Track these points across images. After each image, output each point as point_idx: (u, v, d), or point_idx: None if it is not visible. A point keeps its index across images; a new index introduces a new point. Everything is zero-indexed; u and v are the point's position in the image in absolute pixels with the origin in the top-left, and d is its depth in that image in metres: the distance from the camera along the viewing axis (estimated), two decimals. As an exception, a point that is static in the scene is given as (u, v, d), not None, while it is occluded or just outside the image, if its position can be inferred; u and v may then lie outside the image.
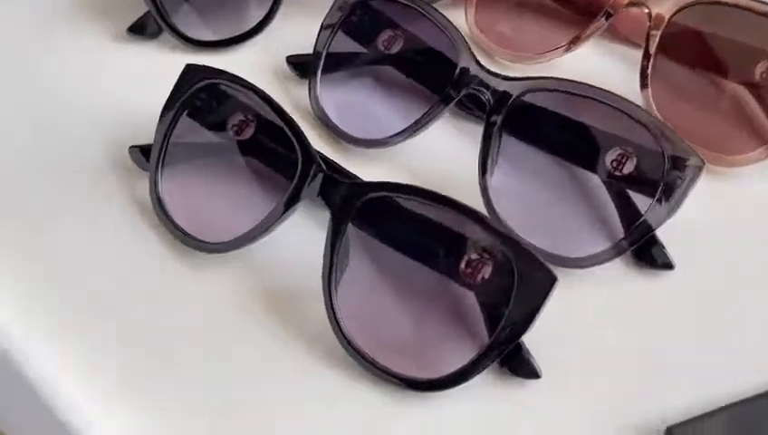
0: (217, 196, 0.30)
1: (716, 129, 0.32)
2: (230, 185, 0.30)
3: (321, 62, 0.33)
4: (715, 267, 0.29)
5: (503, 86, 0.30)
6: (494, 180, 0.30)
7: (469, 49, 0.31)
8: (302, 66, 0.34)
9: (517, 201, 0.30)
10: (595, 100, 0.28)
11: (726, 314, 0.28)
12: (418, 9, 0.32)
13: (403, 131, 0.31)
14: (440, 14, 0.32)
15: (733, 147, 0.31)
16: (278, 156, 0.29)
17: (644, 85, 0.33)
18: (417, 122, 0.31)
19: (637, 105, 0.28)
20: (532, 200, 0.30)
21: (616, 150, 0.29)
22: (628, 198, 0.29)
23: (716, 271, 0.29)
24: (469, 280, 0.26)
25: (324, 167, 0.27)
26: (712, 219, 0.30)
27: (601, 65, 0.36)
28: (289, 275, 0.29)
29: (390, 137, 0.32)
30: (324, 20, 0.34)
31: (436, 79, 0.32)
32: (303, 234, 0.29)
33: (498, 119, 0.29)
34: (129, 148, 0.31)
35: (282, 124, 0.28)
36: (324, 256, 0.26)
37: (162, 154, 0.30)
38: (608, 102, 0.28)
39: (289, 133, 0.28)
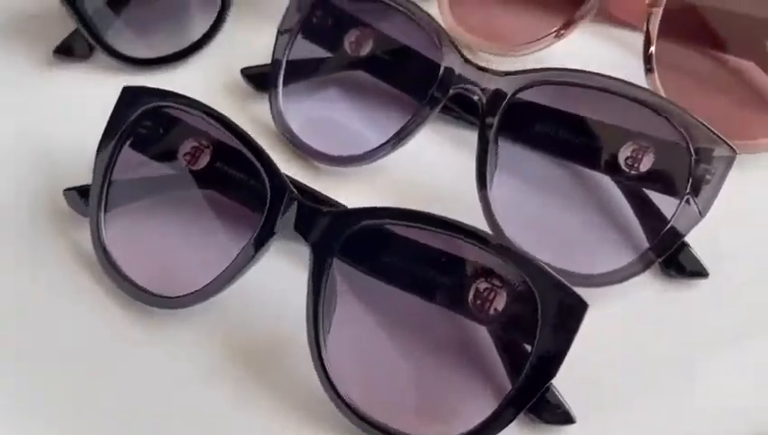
0: (174, 239, 0.26)
1: (734, 112, 0.29)
2: (188, 225, 0.26)
3: (282, 72, 0.29)
4: (752, 269, 0.25)
5: (496, 83, 0.25)
6: (496, 192, 0.26)
7: (453, 43, 0.27)
8: (259, 78, 0.30)
9: (524, 215, 0.26)
10: (602, 90, 0.24)
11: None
12: (389, 2, 0.28)
13: (383, 145, 0.27)
14: (415, 5, 0.28)
15: (756, 131, 0.28)
16: (242, 186, 0.25)
17: (649, 70, 0.29)
18: (399, 133, 0.27)
19: (652, 92, 0.25)
20: (541, 213, 0.26)
21: (630, 146, 0.25)
22: (650, 200, 0.25)
23: (754, 273, 0.25)
24: (480, 314, 0.22)
25: (299, 194, 0.23)
26: (742, 212, 0.26)
27: (597, 52, 0.32)
28: (266, 326, 0.24)
29: (369, 152, 0.27)
30: (281, 23, 0.29)
31: (417, 81, 0.27)
32: (280, 273, 0.25)
33: (494, 121, 0.25)
34: (64, 191, 0.26)
35: (243, 148, 0.24)
36: (307, 299, 0.22)
37: (103, 195, 0.25)
38: (618, 92, 0.24)
39: (252, 158, 0.23)
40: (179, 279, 0.24)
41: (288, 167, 0.28)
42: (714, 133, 0.24)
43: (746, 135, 0.28)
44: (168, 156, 0.26)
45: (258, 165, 0.23)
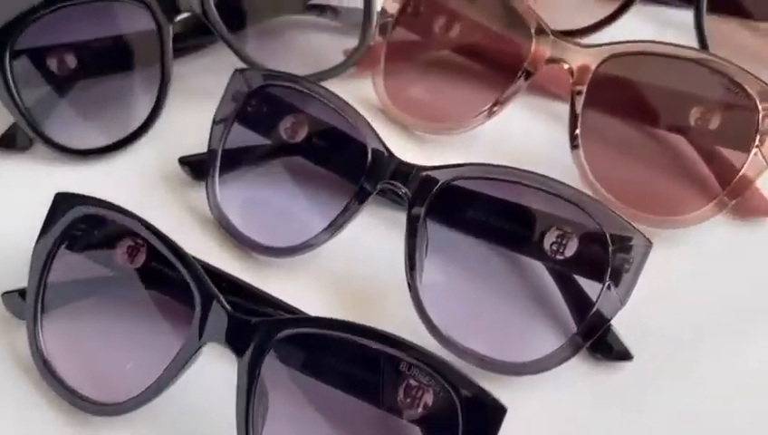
0: (112, 341, 0.26)
1: (659, 187, 0.30)
2: (127, 325, 0.26)
3: (218, 161, 0.29)
4: (675, 347, 0.26)
5: (420, 178, 0.26)
6: (425, 278, 0.26)
7: (377, 136, 0.27)
8: (197, 167, 0.30)
9: (453, 301, 0.26)
10: (522, 184, 0.25)
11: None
12: (317, 96, 0.28)
13: (320, 235, 0.28)
14: (340, 99, 0.28)
15: (679, 206, 0.29)
16: (175, 288, 0.25)
17: (574, 146, 0.30)
18: (334, 222, 0.27)
19: (567, 186, 0.25)
20: (471, 298, 0.27)
21: (554, 231, 0.26)
22: (577, 284, 0.26)
23: (677, 352, 0.26)
24: (410, 411, 0.23)
25: (227, 305, 0.23)
26: (667, 290, 0.27)
27: (529, 125, 0.33)
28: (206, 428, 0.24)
29: (304, 243, 0.28)
30: (216, 113, 0.30)
31: (351, 167, 0.28)
32: (217, 373, 0.24)
33: (421, 211, 0.26)
34: (2, 294, 0.27)
35: (171, 256, 0.24)
36: (237, 406, 0.22)
37: (40, 299, 0.25)
38: (535, 186, 0.25)
39: (181, 268, 0.24)
40: (120, 383, 0.24)
41: (224, 255, 0.29)
42: (629, 225, 0.24)
43: (674, 210, 0.29)
44: (105, 256, 0.26)
45: (187, 275, 0.23)
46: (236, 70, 0.30)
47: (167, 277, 0.25)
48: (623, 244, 0.24)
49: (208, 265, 0.26)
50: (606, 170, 0.29)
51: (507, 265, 0.27)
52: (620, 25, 0.35)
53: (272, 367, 0.22)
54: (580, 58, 0.30)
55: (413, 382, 0.21)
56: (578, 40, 0.31)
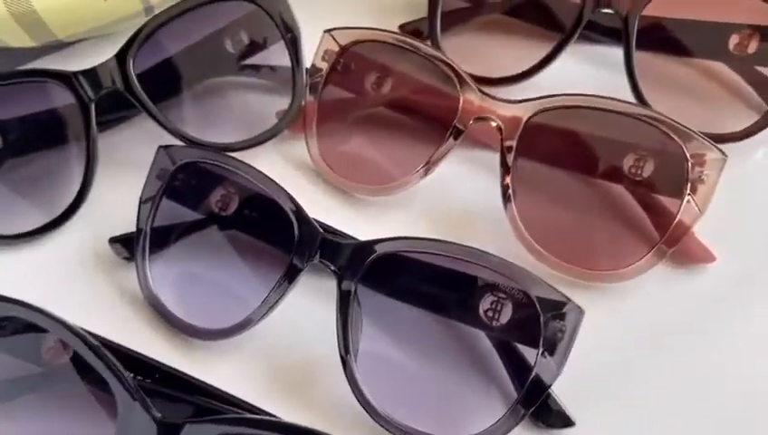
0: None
1: (596, 240, 0.29)
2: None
3: (147, 240, 0.29)
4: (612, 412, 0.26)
5: (348, 253, 0.25)
6: (361, 352, 0.26)
7: (300, 211, 0.27)
8: (128, 245, 0.29)
9: (390, 375, 0.26)
10: (449, 257, 0.25)
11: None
12: (238, 172, 0.28)
13: (252, 314, 0.27)
14: (260, 174, 0.27)
15: (618, 258, 0.28)
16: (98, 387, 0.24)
17: (506, 201, 0.29)
18: (266, 301, 0.27)
19: (491, 256, 0.24)
20: (409, 371, 0.26)
21: (489, 298, 0.26)
22: (516, 351, 0.26)
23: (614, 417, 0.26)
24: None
25: (157, 415, 0.22)
26: (607, 347, 0.27)
27: (468, 177, 0.32)
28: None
29: (238, 324, 0.27)
30: (143, 191, 0.29)
31: (281, 241, 0.27)
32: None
33: (352, 285, 0.25)
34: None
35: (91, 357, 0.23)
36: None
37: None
38: (463, 258, 0.25)
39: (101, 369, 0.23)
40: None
41: (158, 338, 0.28)
42: (560, 293, 0.24)
43: (613, 263, 0.28)
44: (31, 358, 0.26)
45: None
46: (160, 147, 0.29)
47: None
48: (555, 311, 0.24)
49: (134, 353, 0.26)
50: (540, 226, 0.29)
51: (446, 333, 0.27)
52: (554, 67, 0.35)
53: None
54: (508, 114, 0.29)
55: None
56: (505, 97, 0.30)
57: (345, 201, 0.32)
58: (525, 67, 0.34)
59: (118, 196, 0.31)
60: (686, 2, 0.33)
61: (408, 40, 0.32)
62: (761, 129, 0.32)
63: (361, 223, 0.31)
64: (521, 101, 0.29)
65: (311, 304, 0.28)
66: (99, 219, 0.31)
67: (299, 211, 0.27)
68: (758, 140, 0.32)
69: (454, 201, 0.32)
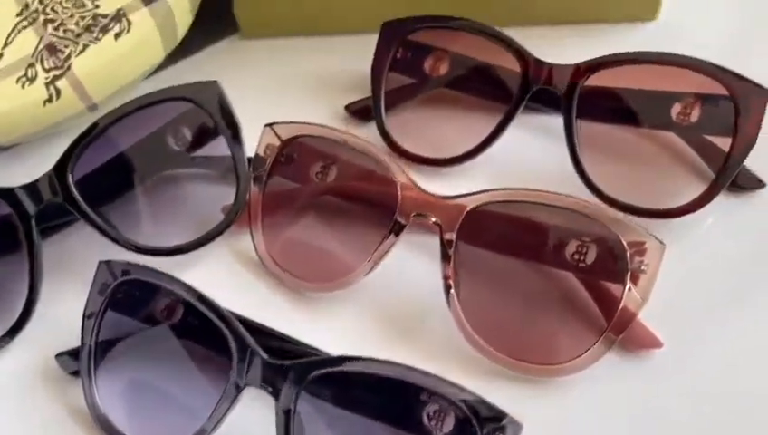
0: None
1: (543, 331, 0.29)
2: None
3: (92, 356, 0.29)
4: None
5: (288, 381, 0.25)
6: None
7: (238, 333, 0.26)
8: (75, 359, 0.29)
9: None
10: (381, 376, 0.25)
11: None
12: (173, 289, 0.28)
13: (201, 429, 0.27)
14: (192, 291, 0.27)
15: (567, 349, 0.28)
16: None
17: (448, 293, 0.29)
18: (212, 416, 0.26)
19: (432, 376, 0.24)
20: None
21: (432, 406, 0.26)
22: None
23: None
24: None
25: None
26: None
27: (411, 265, 0.31)
28: None
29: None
30: (86, 307, 0.29)
31: (223, 358, 0.27)
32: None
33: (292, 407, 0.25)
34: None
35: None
36: None
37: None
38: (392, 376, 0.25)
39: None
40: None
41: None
42: (497, 409, 0.23)
43: (562, 355, 0.28)
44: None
45: None
46: (101, 262, 0.29)
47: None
48: (492, 427, 0.24)
49: None
50: (484, 319, 0.28)
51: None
52: (501, 139, 0.34)
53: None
54: (446, 209, 0.29)
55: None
56: (444, 194, 0.30)
57: (294, 297, 0.32)
58: (472, 144, 0.34)
59: (67, 306, 0.31)
60: (626, 74, 0.33)
61: (346, 135, 0.32)
62: (707, 201, 0.31)
63: (307, 321, 0.31)
64: (458, 197, 0.29)
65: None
66: (47, 333, 0.31)
67: (236, 334, 0.26)
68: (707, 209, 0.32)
69: (406, 288, 0.31)
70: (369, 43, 0.36)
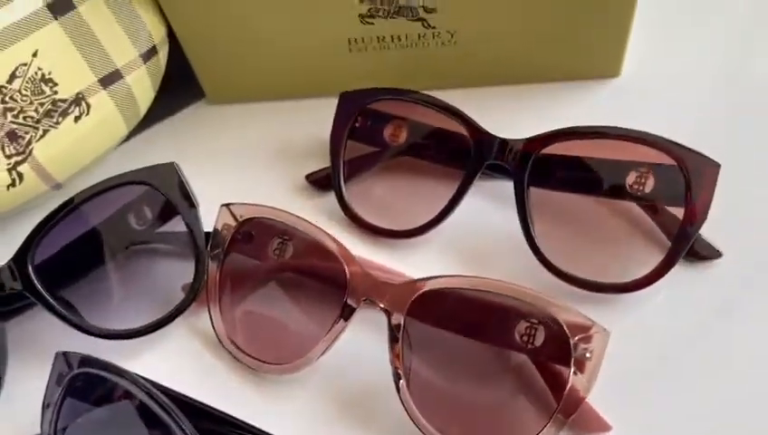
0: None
1: (494, 415, 0.29)
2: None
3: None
4: None
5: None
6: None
7: (177, 422, 0.27)
8: (41, 445, 0.31)
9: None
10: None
11: None
12: (128, 382, 0.28)
13: None
14: (139, 383, 0.28)
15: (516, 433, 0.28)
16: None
17: (397, 382, 0.29)
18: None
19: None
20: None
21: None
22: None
23: None
24: None
25: None
26: None
27: (363, 350, 0.32)
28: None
29: None
30: (44, 397, 0.29)
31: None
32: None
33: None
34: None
35: None
36: None
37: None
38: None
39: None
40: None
41: None
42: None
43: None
44: None
45: None
46: (58, 353, 0.30)
47: None
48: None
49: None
50: (434, 405, 0.29)
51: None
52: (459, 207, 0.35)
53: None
54: (395, 294, 0.29)
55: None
56: (392, 276, 0.30)
57: (252, 377, 0.32)
58: (431, 214, 0.34)
59: (33, 384, 0.31)
60: (580, 144, 0.33)
61: (298, 220, 0.32)
62: (662, 274, 0.31)
63: (263, 402, 0.31)
64: (408, 282, 0.29)
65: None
66: (10, 415, 0.32)
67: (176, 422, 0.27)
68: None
69: (361, 367, 0.32)
70: (332, 105, 0.37)
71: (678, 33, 0.41)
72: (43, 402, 0.30)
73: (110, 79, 0.34)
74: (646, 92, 0.39)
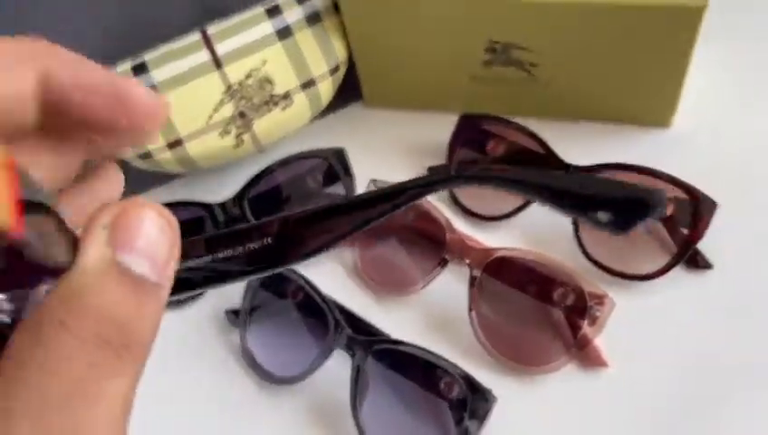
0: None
1: (531, 344, 0.44)
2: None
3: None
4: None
5: None
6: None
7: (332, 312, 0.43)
8: None
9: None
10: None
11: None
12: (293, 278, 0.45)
13: None
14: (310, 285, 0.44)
15: (544, 357, 0.43)
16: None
17: (470, 313, 0.44)
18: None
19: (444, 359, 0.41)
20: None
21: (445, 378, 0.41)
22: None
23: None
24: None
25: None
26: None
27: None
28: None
29: None
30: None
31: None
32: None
33: None
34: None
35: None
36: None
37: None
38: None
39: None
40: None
41: None
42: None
43: (535, 362, 0.43)
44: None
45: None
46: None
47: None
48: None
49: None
50: (491, 333, 0.44)
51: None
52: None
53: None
54: (475, 257, 0.45)
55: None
56: (479, 244, 0.45)
57: (377, 299, 0.49)
58: (511, 206, 0.49)
59: None
60: (625, 175, 0.46)
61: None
62: (664, 273, 0.45)
63: (381, 320, 0.47)
64: (485, 249, 0.45)
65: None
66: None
67: (332, 314, 0.43)
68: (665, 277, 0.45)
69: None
70: (453, 120, 0.52)
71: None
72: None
73: (307, 84, 0.51)
74: (689, 145, 0.51)
